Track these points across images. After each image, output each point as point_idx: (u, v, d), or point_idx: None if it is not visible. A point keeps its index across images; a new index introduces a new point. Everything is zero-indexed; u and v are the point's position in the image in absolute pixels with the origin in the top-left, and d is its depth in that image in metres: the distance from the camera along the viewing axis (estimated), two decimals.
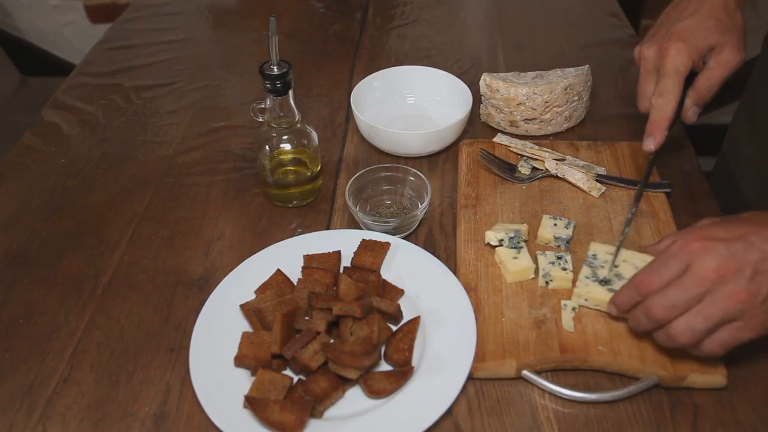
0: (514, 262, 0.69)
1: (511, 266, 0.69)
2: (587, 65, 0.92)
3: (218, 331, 0.67)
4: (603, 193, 0.79)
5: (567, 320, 0.65)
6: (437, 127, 0.87)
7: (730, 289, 0.52)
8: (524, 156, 0.84)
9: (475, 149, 0.86)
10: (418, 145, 0.87)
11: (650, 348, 0.62)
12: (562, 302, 0.67)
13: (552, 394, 0.62)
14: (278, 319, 0.63)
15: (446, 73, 0.96)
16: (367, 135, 0.91)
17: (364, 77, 0.96)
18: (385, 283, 0.71)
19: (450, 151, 0.90)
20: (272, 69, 0.73)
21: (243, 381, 0.62)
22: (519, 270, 0.69)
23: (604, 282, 0.66)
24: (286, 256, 0.74)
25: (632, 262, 0.67)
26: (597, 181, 0.80)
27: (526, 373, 0.62)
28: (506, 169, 0.83)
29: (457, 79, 0.95)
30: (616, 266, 0.67)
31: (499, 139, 0.89)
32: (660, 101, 0.70)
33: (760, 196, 0.90)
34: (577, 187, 0.80)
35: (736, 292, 0.52)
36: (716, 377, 0.61)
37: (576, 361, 0.63)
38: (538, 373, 0.63)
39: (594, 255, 0.69)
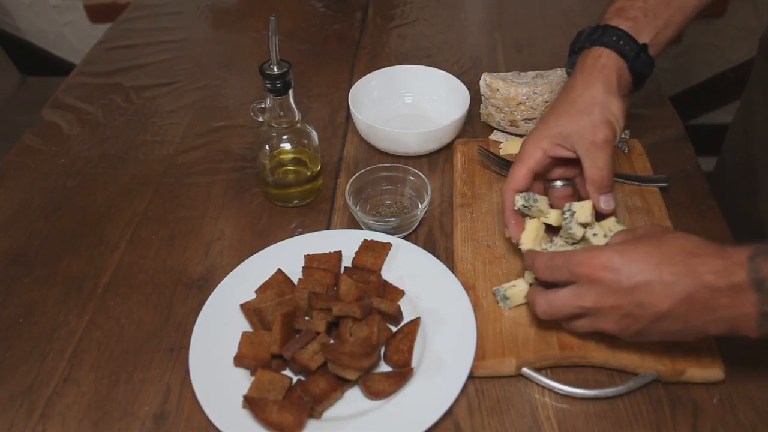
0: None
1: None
2: None
3: (218, 330, 0.67)
4: None
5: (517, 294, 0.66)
6: (435, 126, 0.87)
7: (600, 321, 0.58)
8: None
9: (470, 148, 0.87)
10: (416, 144, 0.87)
11: (648, 343, 0.62)
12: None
13: (552, 393, 0.62)
14: (278, 319, 0.63)
15: (444, 72, 0.96)
16: (365, 134, 0.91)
17: (363, 77, 0.96)
18: (386, 284, 0.71)
19: (449, 150, 0.90)
20: (272, 69, 0.73)
21: (242, 381, 0.62)
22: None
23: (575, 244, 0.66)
24: (287, 256, 0.74)
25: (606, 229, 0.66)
26: None
27: (525, 370, 0.63)
28: (505, 166, 0.83)
29: (455, 78, 0.95)
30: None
31: (494, 136, 0.89)
32: (510, 174, 0.70)
33: (759, 197, 0.91)
34: None
35: (602, 326, 0.58)
36: (714, 371, 0.61)
37: (575, 358, 0.63)
38: (538, 370, 0.63)
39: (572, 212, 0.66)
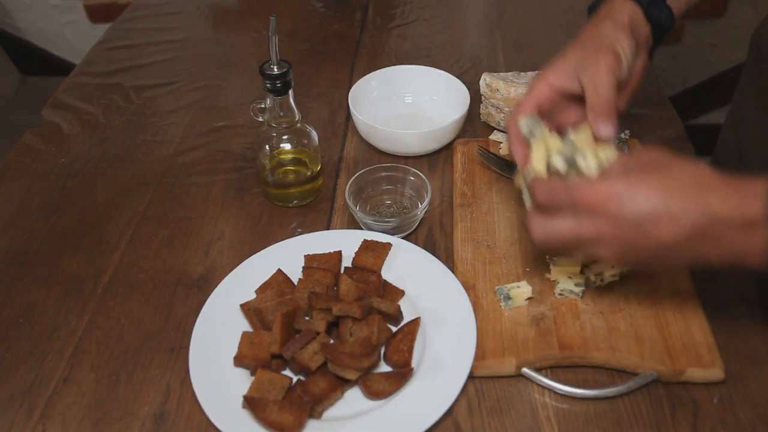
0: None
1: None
2: None
3: (218, 331, 0.67)
4: None
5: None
6: (435, 126, 0.87)
7: (600, 249, 0.56)
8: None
9: (469, 148, 0.87)
10: (416, 144, 0.87)
11: (648, 343, 0.63)
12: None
13: (552, 393, 0.62)
14: (278, 319, 0.63)
15: (444, 72, 0.97)
16: (365, 134, 0.91)
17: (363, 77, 0.96)
18: (386, 284, 0.71)
19: (450, 150, 0.90)
20: (272, 69, 0.73)
21: (242, 381, 0.62)
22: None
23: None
24: (287, 256, 0.74)
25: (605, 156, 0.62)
26: None
27: (525, 370, 0.63)
28: (505, 166, 0.83)
29: (455, 78, 0.95)
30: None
31: (494, 136, 0.90)
32: (512, 112, 0.69)
33: None
34: None
35: (601, 252, 0.56)
36: (714, 371, 0.61)
37: (575, 358, 0.63)
38: (538, 370, 0.63)
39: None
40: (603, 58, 0.64)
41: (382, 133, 0.87)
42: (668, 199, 0.52)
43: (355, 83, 0.95)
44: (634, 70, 0.68)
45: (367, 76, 0.96)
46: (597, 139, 0.64)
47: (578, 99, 0.67)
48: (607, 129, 0.64)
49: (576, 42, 0.69)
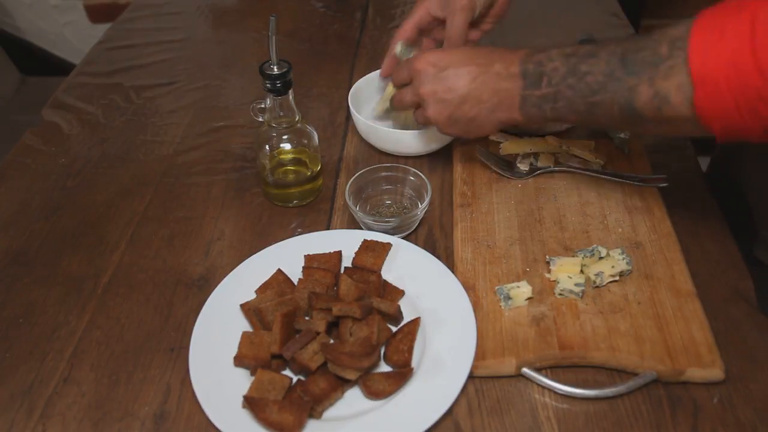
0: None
1: None
2: None
3: (218, 331, 0.67)
4: (598, 189, 0.80)
5: None
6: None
7: (426, 89, 0.75)
8: (523, 154, 0.85)
9: (469, 148, 0.87)
10: (416, 144, 0.87)
11: (648, 343, 0.63)
12: None
13: (552, 393, 0.62)
14: (278, 319, 0.63)
15: None
16: (365, 134, 0.91)
17: (363, 76, 0.96)
18: (386, 284, 0.71)
19: (450, 150, 0.90)
20: (272, 69, 0.73)
21: (242, 381, 0.62)
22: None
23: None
24: (287, 256, 0.74)
25: None
26: (594, 175, 0.81)
27: (525, 370, 0.63)
28: (504, 166, 0.83)
29: None
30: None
31: (494, 136, 0.89)
32: (396, 35, 0.91)
33: (756, 195, 0.91)
34: (581, 158, 0.84)
35: (426, 111, 0.76)
36: (714, 371, 0.61)
37: (575, 358, 0.63)
38: (538, 370, 0.63)
39: None
40: (461, 1, 0.83)
41: (382, 134, 0.87)
42: (468, 61, 0.72)
43: (355, 83, 0.95)
44: (496, 3, 0.87)
45: (367, 75, 0.96)
46: None
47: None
48: None
49: None
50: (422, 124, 0.80)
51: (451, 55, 0.74)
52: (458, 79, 0.72)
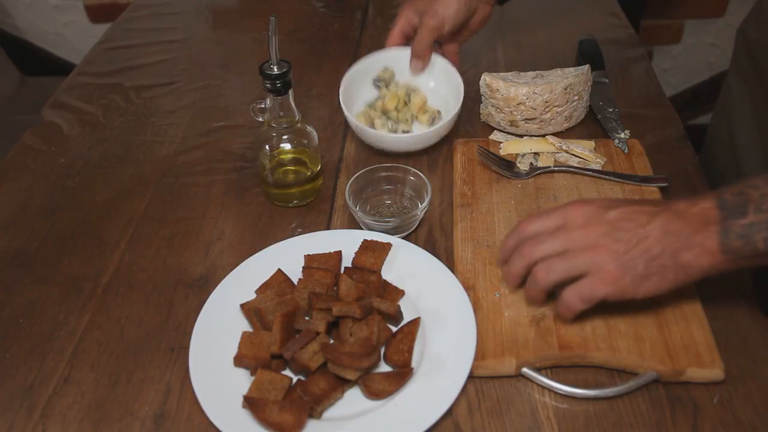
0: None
1: None
2: (587, 65, 0.91)
3: (218, 331, 0.67)
4: (598, 189, 0.80)
5: None
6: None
7: (590, 241, 0.59)
8: (524, 154, 0.85)
9: (470, 148, 0.87)
10: (409, 145, 0.88)
11: (648, 343, 0.63)
12: None
13: (552, 393, 0.62)
14: (278, 319, 0.63)
15: (440, 58, 0.95)
16: (357, 133, 0.91)
17: (351, 68, 0.94)
18: (386, 284, 0.70)
19: (450, 150, 0.90)
20: (272, 69, 0.73)
21: (242, 381, 0.62)
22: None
23: None
24: (287, 256, 0.74)
25: None
26: (594, 175, 0.81)
27: (525, 370, 0.63)
28: (504, 165, 0.83)
29: (448, 64, 0.94)
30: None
31: (494, 136, 0.90)
32: (386, 42, 0.95)
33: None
34: (582, 158, 0.84)
35: (594, 245, 0.59)
36: (714, 371, 0.61)
37: (575, 358, 0.63)
38: (538, 370, 0.63)
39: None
40: (430, 20, 0.88)
41: (372, 136, 0.88)
42: (634, 204, 0.61)
43: (343, 77, 0.93)
44: (470, 22, 0.94)
45: (353, 66, 0.94)
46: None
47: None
48: (415, 67, 0.93)
49: None
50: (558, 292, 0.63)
51: (610, 199, 0.63)
52: (635, 216, 0.59)
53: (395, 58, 0.95)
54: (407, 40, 0.93)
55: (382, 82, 0.95)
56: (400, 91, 0.93)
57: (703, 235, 0.57)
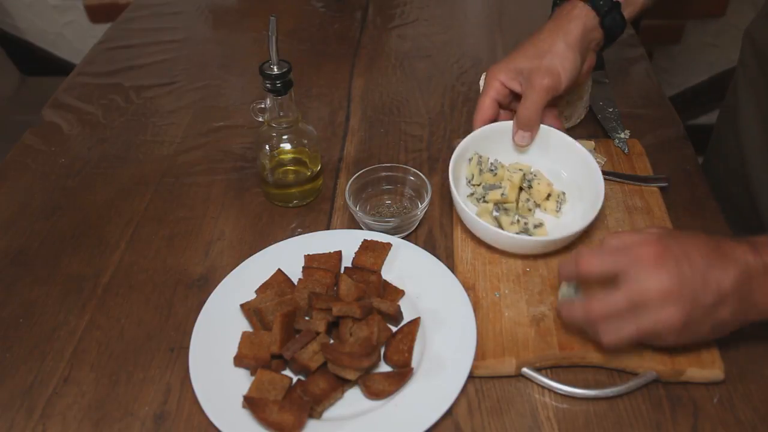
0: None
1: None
2: None
3: (218, 330, 0.67)
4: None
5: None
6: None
7: (667, 313, 0.54)
8: None
9: None
10: (557, 245, 0.71)
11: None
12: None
13: (552, 393, 0.62)
14: (278, 319, 0.63)
15: (572, 141, 0.76)
16: (478, 231, 0.73)
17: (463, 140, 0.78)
18: (386, 284, 0.70)
19: (450, 150, 0.90)
20: (272, 69, 0.73)
21: (242, 381, 0.62)
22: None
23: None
24: (287, 256, 0.74)
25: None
26: None
27: (525, 370, 0.63)
28: None
29: (557, 131, 0.77)
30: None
31: None
32: (478, 101, 0.77)
33: (747, 195, 0.91)
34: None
35: (668, 319, 0.54)
36: (714, 371, 0.61)
37: (575, 358, 0.63)
38: (538, 370, 0.63)
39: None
40: (543, 79, 0.72)
41: (505, 239, 0.70)
42: (704, 257, 0.55)
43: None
44: (581, 72, 0.76)
45: (464, 139, 0.77)
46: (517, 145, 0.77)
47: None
48: (522, 139, 0.76)
49: (530, 42, 0.76)
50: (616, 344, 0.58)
51: (683, 241, 0.56)
52: (714, 273, 0.54)
53: (485, 135, 0.77)
54: (500, 107, 0.77)
55: (479, 166, 0.77)
56: (515, 176, 0.75)
57: None
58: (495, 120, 0.77)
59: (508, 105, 0.78)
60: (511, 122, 0.77)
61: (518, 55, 0.75)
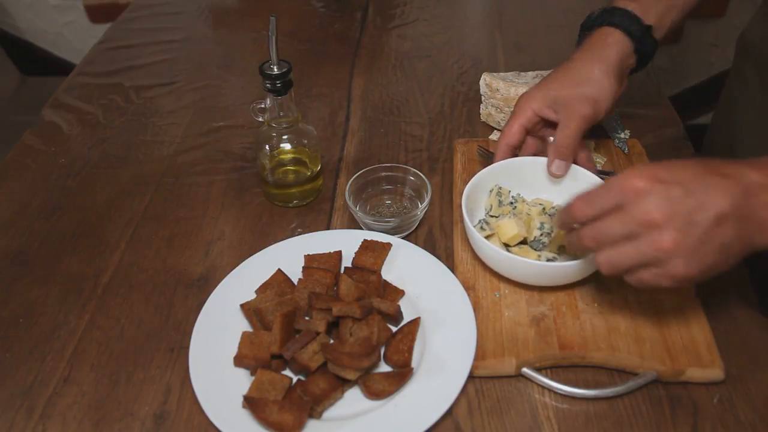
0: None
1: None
2: None
3: (218, 330, 0.67)
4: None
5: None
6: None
7: (658, 235, 0.53)
8: None
9: (469, 148, 0.87)
10: (565, 275, 0.67)
11: (648, 343, 0.63)
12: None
13: (552, 393, 0.62)
14: (278, 319, 0.63)
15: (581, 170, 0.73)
16: (498, 267, 0.70)
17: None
18: (386, 284, 0.70)
19: (450, 150, 0.90)
20: (272, 69, 0.73)
21: (242, 381, 0.62)
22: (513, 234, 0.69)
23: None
24: (287, 256, 0.74)
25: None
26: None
27: (525, 370, 0.63)
28: None
29: (585, 171, 0.73)
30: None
31: (494, 136, 0.90)
32: (504, 128, 0.75)
33: None
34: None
35: (662, 240, 0.53)
36: (714, 371, 0.61)
37: (575, 358, 0.63)
38: (538, 370, 0.63)
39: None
40: (582, 108, 0.70)
41: (531, 268, 0.66)
42: (707, 173, 0.53)
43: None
44: (614, 97, 0.73)
45: (476, 177, 0.74)
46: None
47: (554, 124, 0.73)
48: (558, 168, 0.72)
49: (565, 69, 0.74)
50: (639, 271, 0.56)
51: (674, 167, 0.54)
52: (710, 193, 0.52)
53: (506, 167, 0.75)
54: (527, 133, 0.75)
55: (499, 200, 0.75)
56: (534, 209, 0.72)
57: None
58: (520, 146, 0.75)
59: (537, 132, 0.76)
60: (534, 158, 0.74)
61: (552, 83, 0.73)
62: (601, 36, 0.74)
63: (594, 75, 0.71)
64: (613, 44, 0.73)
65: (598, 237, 0.56)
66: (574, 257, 0.66)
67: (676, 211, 0.52)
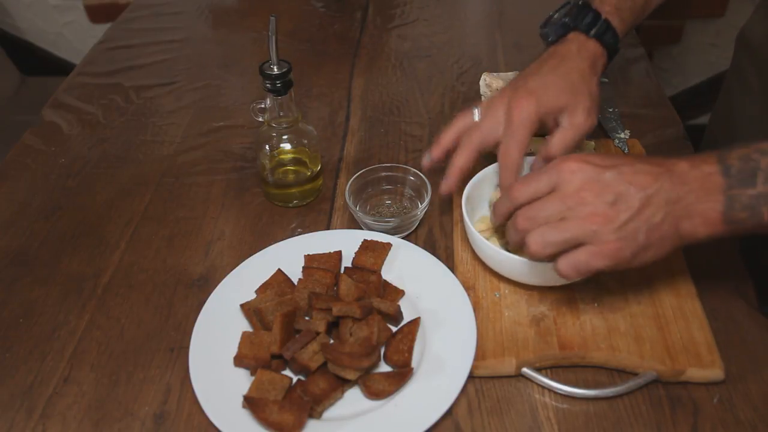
0: None
1: None
2: None
3: (218, 330, 0.67)
4: None
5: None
6: None
7: (588, 210, 0.55)
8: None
9: None
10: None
11: (648, 343, 0.63)
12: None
13: (552, 393, 0.62)
14: (278, 319, 0.63)
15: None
16: (498, 267, 0.70)
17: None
18: (386, 284, 0.70)
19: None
20: (272, 69, 0.73)
21: (242, 381, 0.62)
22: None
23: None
24: (287, 256, 0.74)
25: None
26: None
27: (525, 370, 0.63)
28: None
29: None
30: None
31: None
32: (507, 149, 0.68)
33: None
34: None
35: (593, 213, 0.55)
36: (714, 371, 0.61)
37: (575, 358, 0.63)
38: (538, 370, 0.63)
39: None
40: (591, 119, 0.69)
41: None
42: (636, 162, 0.56)
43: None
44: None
45: (480, 173, 0.76)
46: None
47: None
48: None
49: (555, 71, 0.70)
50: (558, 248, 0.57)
51: (607, 156, 0.58)
52: (639, 175, 0.55)
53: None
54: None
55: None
56: None
57: (705, 205, 0.54)
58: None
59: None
60: (535, 158, 0.72)
61: (550, 89, 0.68)
62: (574, 44, 0.72)
63: (590, 84, 0.70)
64: (592, 52, 0.72)
65: (532, 216, 0.57)
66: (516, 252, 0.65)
67: (605, 188, 0.55)
